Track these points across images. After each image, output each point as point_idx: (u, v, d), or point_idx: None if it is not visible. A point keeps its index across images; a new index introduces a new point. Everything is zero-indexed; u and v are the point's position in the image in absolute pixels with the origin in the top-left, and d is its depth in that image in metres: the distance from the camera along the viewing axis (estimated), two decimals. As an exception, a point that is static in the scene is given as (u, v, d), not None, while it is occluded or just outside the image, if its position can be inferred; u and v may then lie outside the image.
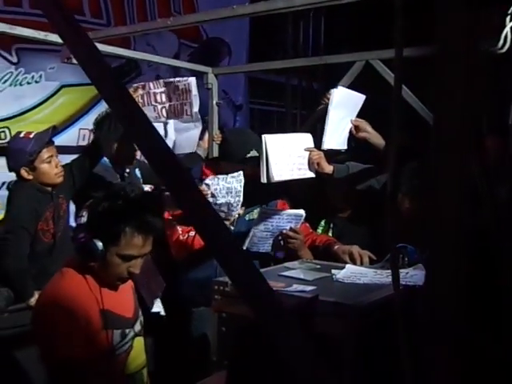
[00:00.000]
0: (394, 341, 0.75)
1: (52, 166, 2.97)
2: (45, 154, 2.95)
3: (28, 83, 4.01)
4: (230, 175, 2.67)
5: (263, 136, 2.74)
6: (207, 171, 2.90)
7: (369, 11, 2.72)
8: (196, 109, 2.86)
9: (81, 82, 4.08)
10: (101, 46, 3.09)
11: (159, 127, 2.91)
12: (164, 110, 2.91)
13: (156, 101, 2.90)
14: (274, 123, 6.97)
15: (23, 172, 2.92)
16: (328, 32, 6.44)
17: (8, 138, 3.90)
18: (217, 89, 3.82)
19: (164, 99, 2.89)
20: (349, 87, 3.39)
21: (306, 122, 3.88)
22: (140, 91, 2.89)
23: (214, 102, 3.78)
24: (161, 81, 2.93)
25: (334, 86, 3.45)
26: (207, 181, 2.68)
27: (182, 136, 2.92)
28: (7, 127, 3.90)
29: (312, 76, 6.29)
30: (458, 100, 0.64)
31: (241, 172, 2.68)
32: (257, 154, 2.80)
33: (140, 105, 2.86)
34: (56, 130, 3.16)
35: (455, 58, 0.64)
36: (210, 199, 2.65)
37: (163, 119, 2.92)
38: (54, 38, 2.63)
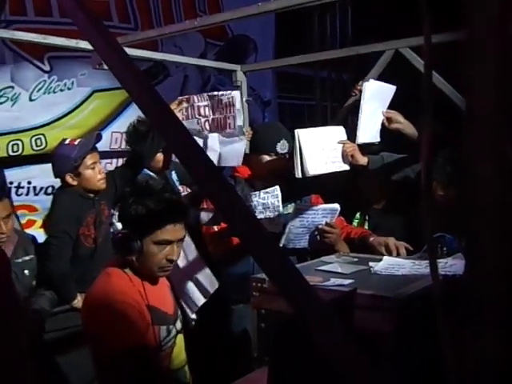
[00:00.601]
0: (435, 333, 0.74)
1: (96, 172, 3.04)
2: (89, 160, 3.02)
3: (61, 90, 4.09)
4: (262, 191, 2.67)
5: (296, 131, 2.73)
6: (242, 166, 2.95)
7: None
8: (240, 122, 2.86)
9: (111, 87, 4.14)
10: (129, 50, 3.14)
11: (204, 140, 2.93)
12: (207, 124, 2.92)
13: (200, 114, 2.91)
14: (304, 117, 6.93)
15: (68, 178, 2.99)
16: (355, 22, 6.36)
17: (44, 145, 3.99)
18: (246, 86, 3.82)
19: (208, 113, 2.90)
20: (379, 77, 3.36)
21: (336, 115, 3.85)
22: (184, 104, 2.90)
23: (244, 100, 3.79)
24: (205, 94, 2.94)
25: (364, 76, 3.43)
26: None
27: (227, 148, 2.92)
28: (42, 134, 3.99)
29: (341, 67, 6.24)
30: (489, 84, 0.63)
31: (277, 187, 2.66)
32: (287, 145, 2.81)
33: (184, 117, 2.90)
34: (100, 136, 3.22)
35: (485, 43, 0.63)
36: None
37: (206, 132, 2.93)
38: (85, 44, 2.69)
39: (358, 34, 6.23)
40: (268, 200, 2.66)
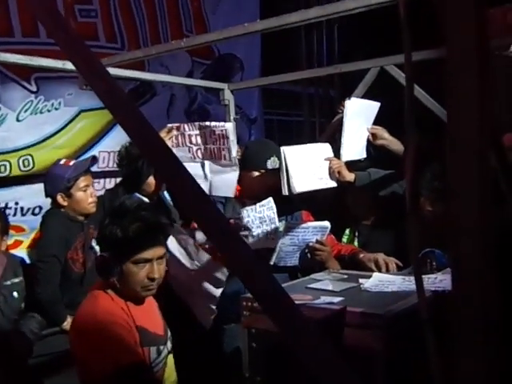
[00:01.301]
0: (424, 349, 0.74)
1: (87, 195, 3.03)
2: (82, 182, 3.02)
3: (48, 110, 4.08)
4: (258, 204, 2.67)
5: (281, 148, 2.74)
6: None
7: (381, 17, 2.71)
8: (234, 154, 2.85)
9: (98, 106, 4.13)
10: (117, 71, 3.15)
11: (196, 167, 2.92)
12: (199, 152, 2.91)
13: (191, 142, 2.91)
14: (292, 133, 6.97)
15: (59, 198, 2.98)
16: (342, 40, 6.43)
17: (31, 166, 3.96)
18: (233, 104, 3.84)
19: (199, 141, 2.90)
20: (365, 94, 3.39)
21: (324, 132, 3.87)
22: (174, 132, 2.90)
23: (232, 118, 3.80)
24: (196, 123, 2.92)
25: (351, 93, 3.46)
26: (240, 214, 2.69)
27: (218, 177, 2.92)
28: (30, 154, 3.97)
29: (328, 84, 6.29)
30: (471, 100, 0.64)
31: (270, 199, 2.67)
32: (277, 162, 2.82)
33: (174, 145, 2.90)
34: (96, 159, 3.22)
35: (466, 59, 0.63)
36: (245, 232, 2.65)
37: (198, 160, 2.92)
38: (71, 65, 2.67)
39: (344, 50, 6.30)
40: (264, 213, 2.67)
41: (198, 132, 2.89)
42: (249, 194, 2.88)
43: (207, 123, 2.90)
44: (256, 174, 2.85)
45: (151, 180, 3.12)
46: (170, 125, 2.96)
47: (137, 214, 1.86)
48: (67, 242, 2.93)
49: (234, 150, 2.85)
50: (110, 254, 1.84)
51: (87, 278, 2.98)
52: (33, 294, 2.84)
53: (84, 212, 3.04)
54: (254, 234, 2.67)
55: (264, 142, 3.13)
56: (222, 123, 2.91)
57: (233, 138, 2.83)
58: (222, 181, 2.90)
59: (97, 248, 1.92)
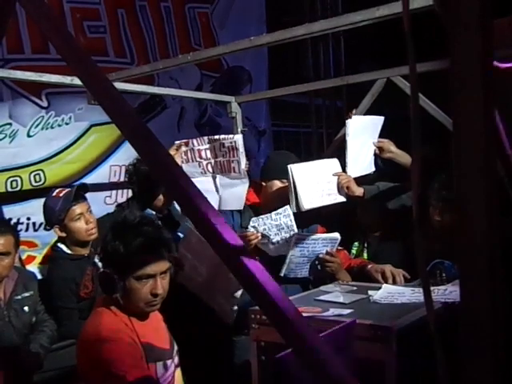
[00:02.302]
0: (434, 360, 0.73)
1: (82, 223, 2.96)
2: (74, 212, 2.95)
3: (59, 125, 4.12)
4: (273, 213, 2.68)
5: (289, 166, 2.74)
6: (250, 192, 2.94)
7: (387, 28, 2.72)
8: (243, 166, 2.85)
9: (109, 120, 4.15)
10: (126, 85, 3.18)
11: (207, 182, 2.91)
12: (210, 166, 2.91)
13: (201, 157, 2.90)
14: (300, 144, 6.98)
15: (56, 230, 2.96)
16: (348, 50, 6.46)
17: (43, 181, 4.00)
18: (241, 117, 3.86)
19: (209, 155, 2.89)
20: (372, 104, 3.39)
21: (331, 144, 3.88)
22: (183, 148, 2.88)
23: (239, 130, 3.81)
24: (205, 138, 2.92)
25: (358, 103, 3.46)
26: (252, 223, 2.70)
27: (227, 191, 2.92)
28: (41, 169, 4.00)
29: (335, 95, 6.31)
30: (476, 112, 0.64)
31: (287, 207, 2.68)
32: None
33: (184, 161, 2.90)
34: (86, 187, 3.18)
35: (469, 70, 0.64)
36: (265, 240, 2.67)
37: (209, 174, 2.93)
38: (80, 81, 2.70)
39: (351, 61, 6.32)
40: (281, 221, 2.67)
41: (207, 146, 2.88)
42: (269, 203, 2.86)
43: (216, 136, 2.90)
44: (277, 183, 2.86)
45: (160, 196, 3.09)
46: (177, 142, 2.94)
47: (139, 229, 1.84)
48: (77, 286, 2.90)
49: (243, 163, 2.86)
50: (112, 269, 1.82)
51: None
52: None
53: (85, 240, 3.00)
54: (274, 241, 2.68)
55: (285, 153, 3.12)
56: (230, 136, 2.91)
57: (242, 149, 2.83)
58: (232, 194, 2.91)
59: (99, 264, 1.90)
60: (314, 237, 2.68)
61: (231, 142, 2.82)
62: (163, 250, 1.88)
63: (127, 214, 2.00)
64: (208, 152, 2.90)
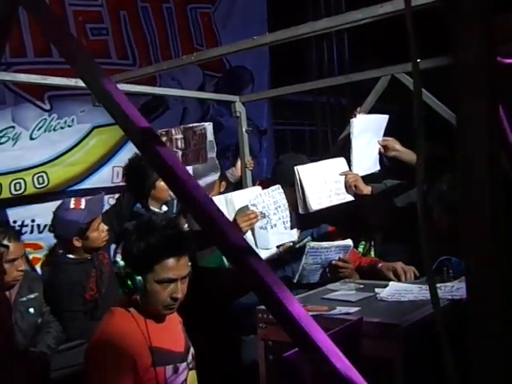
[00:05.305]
0: (441, 357, 0.73)
1: (100, 232, 2.98)
2: (96, 221, 2.96)
3: (61, 128, 4.13)
4: (270, 189, 2.66)
5: (295, 168, 2.72)
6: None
7: (391, 25, 2.70)
8: (211, 154, 2.79)
9: (111, 122, 4.17)
10: (128, 86, 3.18)
11: None
12: (183, 157, 2.85)
13: (177, 147, 2.84)
14: (306, 142, 6.97)
15: (75, 242, 2.91)
16: (352, 48, 6.43)
17: (46, 183, 4.01)
18: (245, 116, 3.85)
19: (182, 145, 2.84)
20: (376, 101, 3.38)
21: (336, 142, 3.86)
22: (163, 138, 2.83)
23: (244, 130, 3.81)
24: (181, 127, 2.87)
25: (363, 100, 3.45)
26: (252, 202, 2.64)
27: (200, 182, 2.86)
28: (44, 172, 4.01)
29: (339, 92, 6.30)
30: (479, 112, 0.63)
31: (278, 185, 2.67)
32: None
33: None
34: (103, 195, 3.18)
35: (472, 69, 0.63)
36: (264, 221, 2.63)
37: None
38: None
39: (355, 58, 6.30)
40: (276, 198, 2.65)
41: (182, 136, 2.83)
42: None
43: (190, 125, 2.86)
44: (289, 187, 2.84)
45: (161, 185, 3.10)
46: (160, 130, 2.88)
47: (165, 232, 1.84)
48: (83, 288, 2.91)
49: (212, 151, 2.79)
50: (134, 270, 1.82)
51: (101, 299, 2.96)
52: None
53: (97, 247, 3.00)
54: (273, 222, 2.64)
55: (299, 158, 3.05)
56: (202, 123, 2.87)
57: (211, 138, 2.77)
58: (203, 184, 2.85)
59: (120, 263, 1.89)
60: (326, 245, 2.63)
61: (201, 130, 2.78)
62: (186, 255, 1.88)
63: (152, 215, 2.00)
64: (182, 142, 2.84)
